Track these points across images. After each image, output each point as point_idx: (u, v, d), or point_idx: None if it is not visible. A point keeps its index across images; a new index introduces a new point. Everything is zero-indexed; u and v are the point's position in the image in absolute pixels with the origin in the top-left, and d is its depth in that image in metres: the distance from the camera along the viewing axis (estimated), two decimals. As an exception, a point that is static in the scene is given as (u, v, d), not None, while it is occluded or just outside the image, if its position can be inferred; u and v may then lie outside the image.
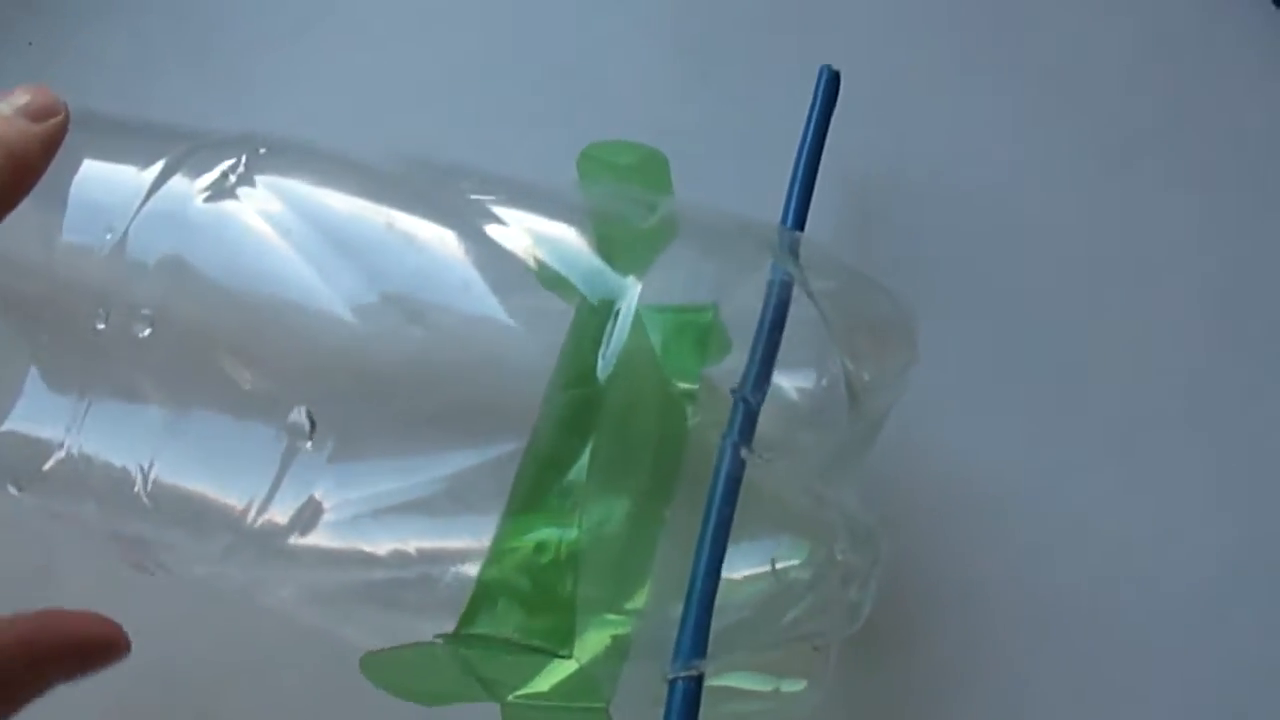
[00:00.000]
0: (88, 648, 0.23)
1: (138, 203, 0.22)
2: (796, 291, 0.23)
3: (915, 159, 0.32)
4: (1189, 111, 0.32)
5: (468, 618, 0.21)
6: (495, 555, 0.22)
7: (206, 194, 0.22)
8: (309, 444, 0.21)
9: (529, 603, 0.21)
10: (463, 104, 0.32)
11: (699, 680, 0.22)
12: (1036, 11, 0.33)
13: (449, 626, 0.22)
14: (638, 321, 0.22)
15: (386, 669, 0.22)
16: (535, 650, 0.21)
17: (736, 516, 0.22)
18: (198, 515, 0.25)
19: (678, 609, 0.22)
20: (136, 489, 0.24)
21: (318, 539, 0.24)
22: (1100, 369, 0.30)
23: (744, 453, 0.22)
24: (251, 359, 0.22)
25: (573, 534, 0.21)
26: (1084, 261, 0.31)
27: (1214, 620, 0.29)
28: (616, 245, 0.22)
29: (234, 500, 0.24)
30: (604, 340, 0.22)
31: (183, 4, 0.34)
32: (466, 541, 0.23)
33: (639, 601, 0.23)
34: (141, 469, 0.24)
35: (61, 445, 0.25)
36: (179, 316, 0.22)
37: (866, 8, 0.33)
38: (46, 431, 0.25)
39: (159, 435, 0.24)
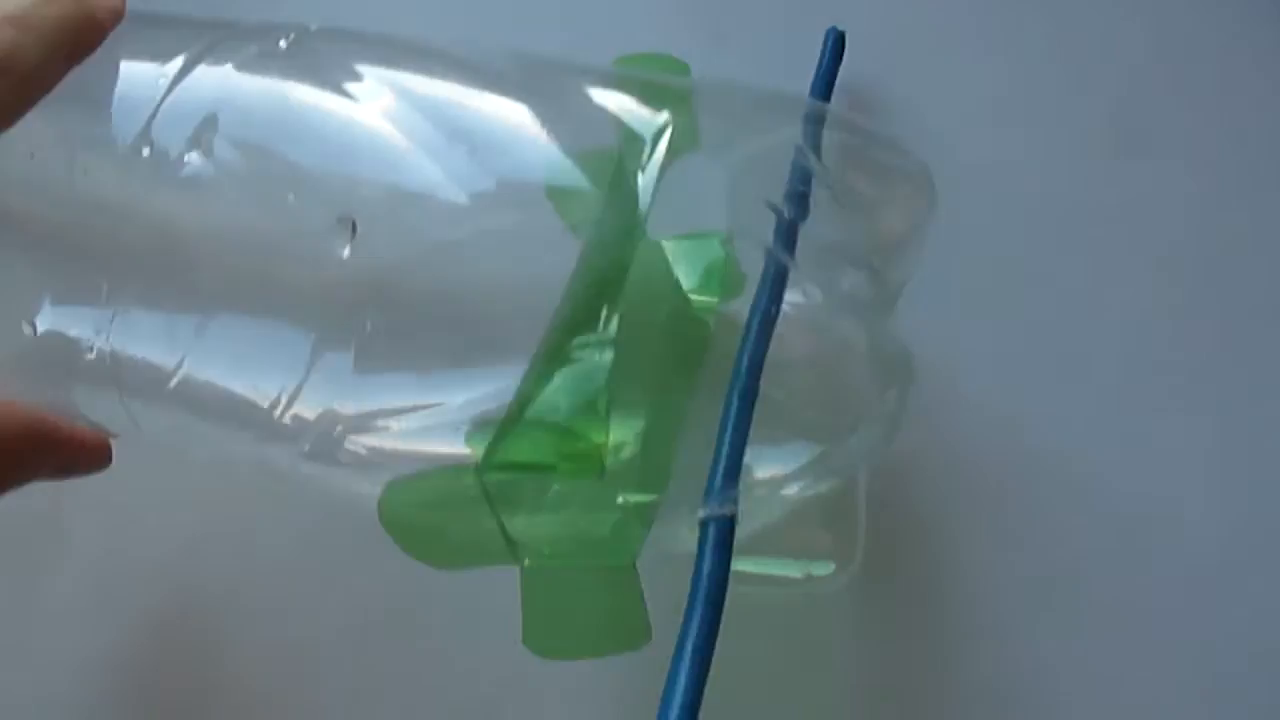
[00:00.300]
0: (78, 449, 0.24)
1: (162, 93, 0.23)
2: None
3: (920, 126, 0.32)
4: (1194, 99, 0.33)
5: (494, 446, 0.21)
6: (523, 395, 0.22)
7: (238, 65, 0.23)
8: (347, 249, 0.21)
9: (559, 435, 0.21)
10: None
11: (732, 520, 0.21)
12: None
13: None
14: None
15: (407, 506, 0.21)
16: (566, 471, 0.20)
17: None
18: (227, 409, 0.25)
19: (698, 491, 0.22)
20: (172, 384, 0.24)
21: (354, 442, 0.24)
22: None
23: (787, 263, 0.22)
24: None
25: (605, 359, 0.21)
26: (1085, 240, 0.32)
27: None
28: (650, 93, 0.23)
29: (262, 396, 0.24)
30: (641, 170, 0.22)
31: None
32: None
33: (663, 481, 0.23)
34: (173, 366, 0.24)
35: (92, 348, 0.25)
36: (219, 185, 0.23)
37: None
38: (75, 333, 0.25)
39: (188, 337, 0.24)
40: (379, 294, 0.24)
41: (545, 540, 0.22)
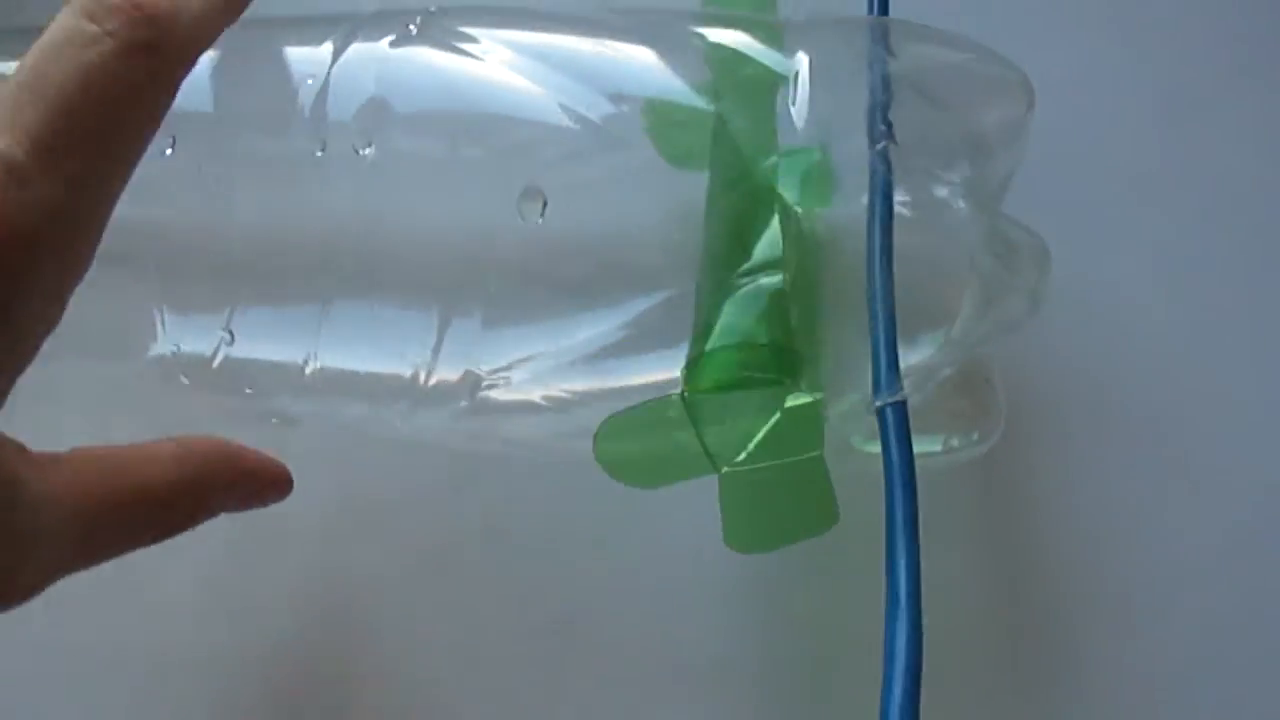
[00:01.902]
0: (258, 481, 0.24)
1: (324, 71, 0.24)
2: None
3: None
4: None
5: (692, 373, 0.23)
6: (702, 325, 0.24)
7: (393, 41, 0.25)
8: (540, 217, 0.23)
9: (748, 350, 0.23)
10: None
11: (904, 404, 0.24)
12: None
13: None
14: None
15: (621, 436, 0.23)
16: (766, 382, 0.23)
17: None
18: (369, 388, 0.26)
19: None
20: (308, 372, 0.26)
21: (502, 394, 0.26)
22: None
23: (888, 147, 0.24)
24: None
25: (779, 279, 0.23)
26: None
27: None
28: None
29: (404, 368, 0.26)
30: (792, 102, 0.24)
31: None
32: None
33: (821, 379, 0.25)
34: (305, 358, 0.26)
35: (216, 355, 0.26)
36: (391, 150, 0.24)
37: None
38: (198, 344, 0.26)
39: (314, 324, 0.26)
40: (495, 250, 0.26)
41: (740, 448, 0.24)
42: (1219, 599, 0.29)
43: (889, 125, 0.26)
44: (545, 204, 0.24)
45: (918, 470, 0.24)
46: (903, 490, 0.23)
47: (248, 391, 0.27)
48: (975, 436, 0.27)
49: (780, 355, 0.23)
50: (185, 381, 0.26)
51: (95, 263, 0.18)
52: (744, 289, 0.24)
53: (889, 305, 0.25)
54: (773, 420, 0.24)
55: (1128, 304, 0.31)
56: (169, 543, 0.22)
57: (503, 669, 0.29)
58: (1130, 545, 0.29)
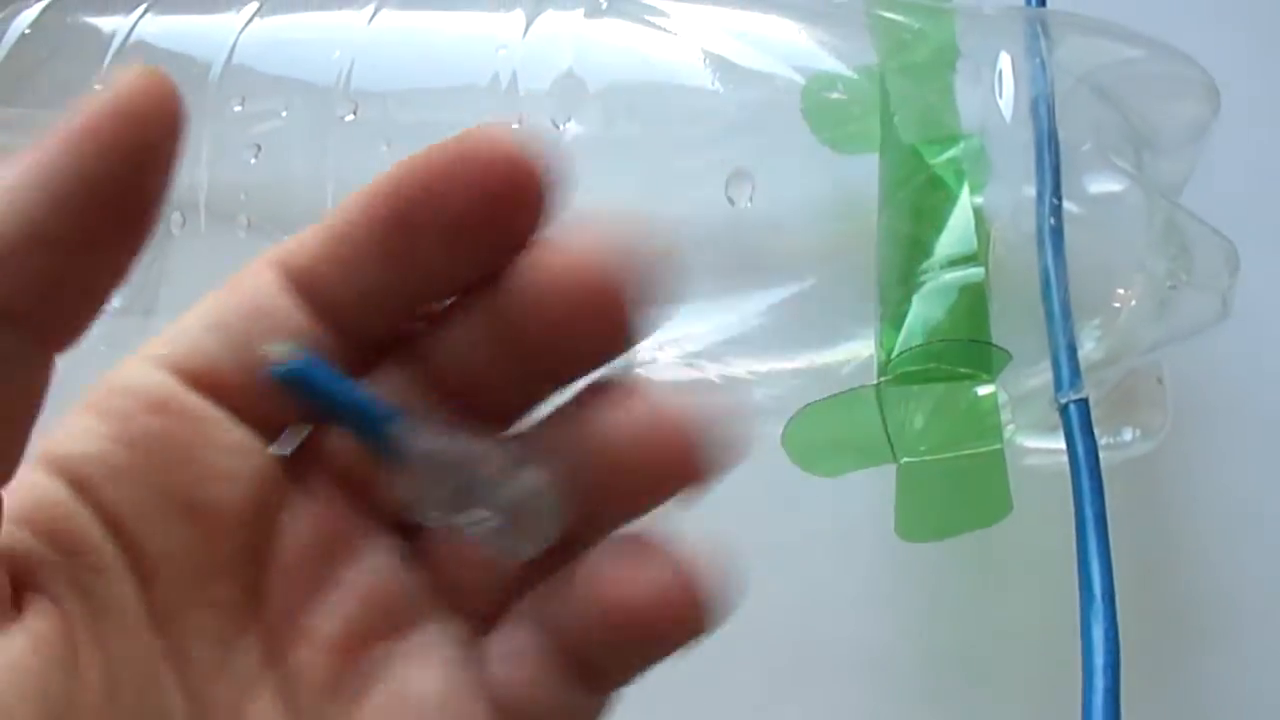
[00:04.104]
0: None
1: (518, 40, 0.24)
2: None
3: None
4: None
5: (893, 365, 0.23)
6: (890, 318, 0.24)
7: (586, 13, 0.24)
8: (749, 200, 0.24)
9: (950, 347, 0.24)
10: None
11: (1086, 401, 0.24)
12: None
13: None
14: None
15: (813, 424, 0.24)
16: (965, 376, 0.23)
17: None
18: None
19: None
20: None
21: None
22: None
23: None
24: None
25: (979, 272, 0.24)
26: None
27: None
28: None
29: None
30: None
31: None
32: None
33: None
34: None
35: None
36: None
37: None
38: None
39: None
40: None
41: (924, 439, 0.24)
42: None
43: (1052, 114, 0.26)
44: (754, 187, 0.24)
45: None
46: (1090, 485, 0.23)
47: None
48: (1140, 433, 0.27)
49: (979, 351, 0.23)
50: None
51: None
52: (936, 281, 0.24)
53: (1065, 301, 0.25)
54: (959, 412, 0.24)
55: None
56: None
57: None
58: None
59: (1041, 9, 0.29)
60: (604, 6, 0.25)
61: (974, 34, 0.28)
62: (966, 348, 0.23)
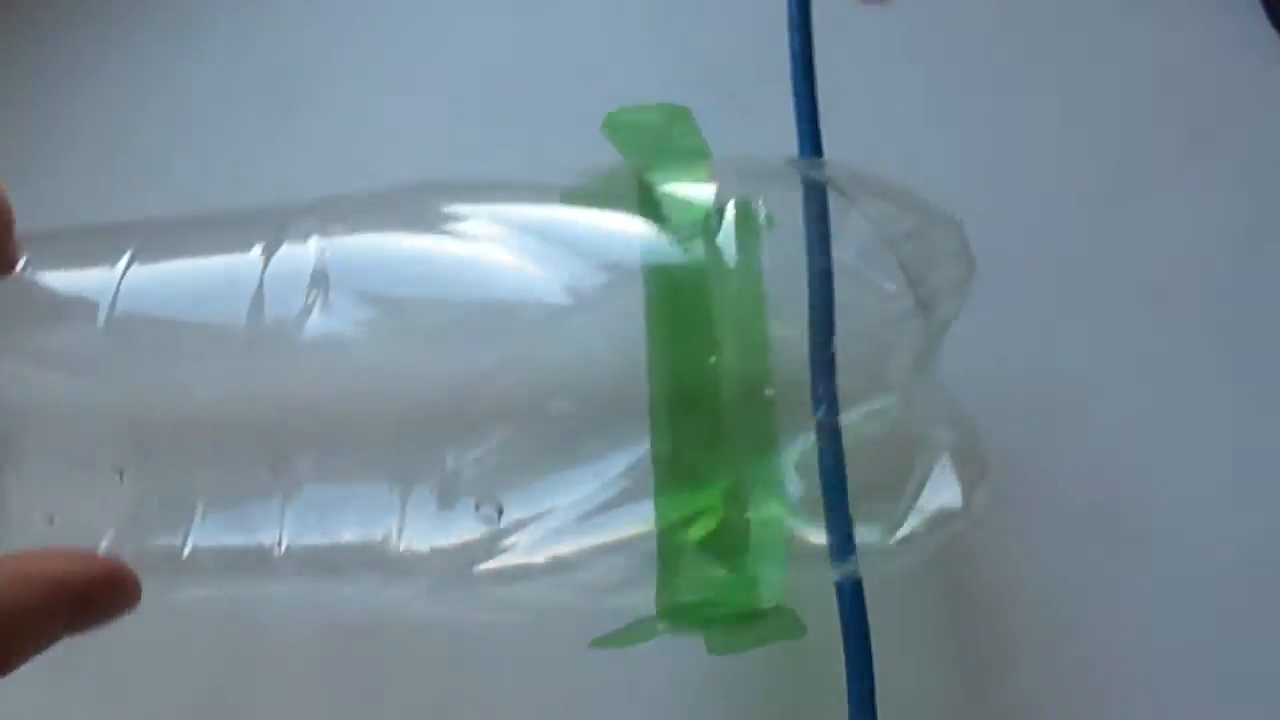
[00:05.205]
0: (90, 596, 0.22)
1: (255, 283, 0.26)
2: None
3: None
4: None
5: (664, 591, 0.26)
6: (664, 531, 0.26)
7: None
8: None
9: (711, 563, 0.26)
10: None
11: (859, 581, 0.27)
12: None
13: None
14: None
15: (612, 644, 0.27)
16: (735, 615, 0.26)
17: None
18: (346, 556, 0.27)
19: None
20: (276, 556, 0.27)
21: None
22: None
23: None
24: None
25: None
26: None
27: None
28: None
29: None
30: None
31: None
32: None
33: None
34: (271, 542, 0.27)
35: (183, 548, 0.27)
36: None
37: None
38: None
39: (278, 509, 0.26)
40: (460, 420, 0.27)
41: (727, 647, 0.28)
42: (1185, 680, 0.32)
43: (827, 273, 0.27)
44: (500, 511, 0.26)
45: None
46: (857, 652, 0.26)
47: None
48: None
49: (741, 591, 0.26)
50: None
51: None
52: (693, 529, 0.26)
53: (840, 477, 0.27)
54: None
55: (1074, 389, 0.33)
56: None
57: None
58: (1093, 627, 0.32)
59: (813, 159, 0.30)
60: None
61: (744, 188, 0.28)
62: (727, 596, 0.26)
